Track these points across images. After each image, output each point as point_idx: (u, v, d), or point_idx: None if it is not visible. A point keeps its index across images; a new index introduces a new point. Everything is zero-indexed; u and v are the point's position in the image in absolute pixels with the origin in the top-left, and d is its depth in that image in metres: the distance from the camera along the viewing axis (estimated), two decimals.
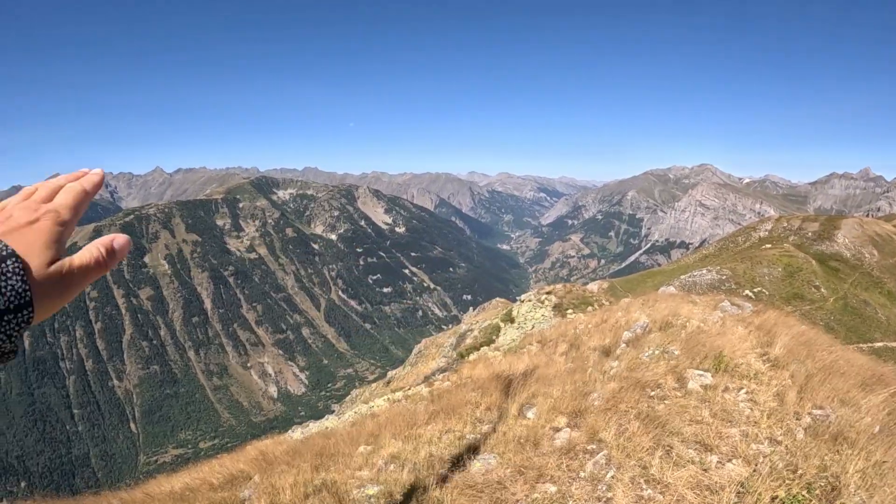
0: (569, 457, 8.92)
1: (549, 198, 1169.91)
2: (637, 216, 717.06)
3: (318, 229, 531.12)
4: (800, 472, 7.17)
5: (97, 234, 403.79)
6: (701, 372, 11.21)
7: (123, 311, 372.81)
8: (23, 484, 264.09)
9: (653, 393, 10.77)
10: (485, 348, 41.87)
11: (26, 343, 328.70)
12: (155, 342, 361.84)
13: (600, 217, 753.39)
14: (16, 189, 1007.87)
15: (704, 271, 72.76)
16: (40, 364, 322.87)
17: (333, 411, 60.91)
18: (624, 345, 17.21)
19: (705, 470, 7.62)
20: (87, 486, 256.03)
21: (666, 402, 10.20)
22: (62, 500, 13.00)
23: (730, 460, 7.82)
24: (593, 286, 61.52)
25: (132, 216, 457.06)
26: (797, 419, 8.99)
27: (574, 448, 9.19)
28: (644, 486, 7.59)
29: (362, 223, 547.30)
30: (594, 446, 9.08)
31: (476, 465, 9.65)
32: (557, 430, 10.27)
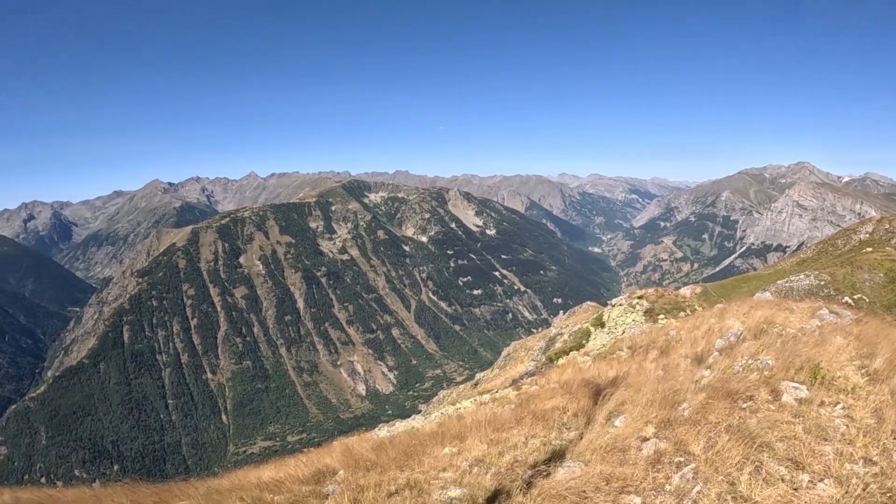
0: (655, 468, 8.77)
1: (640, 199, 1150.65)
2: (731, 218, 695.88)
3: (409, 231, 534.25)
4: (893, 496, 6.91)
5: (195, 235, 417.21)
6: (796, 384, 10.87)
7: (219, 308, 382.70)
8: (116, 467, 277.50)
9: (745, 405, 10.49)
10: (574, 353, 41.44)
11: (125, 336, 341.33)
12: (248, 339, 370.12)
13: (693, 219, 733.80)
14: (118, 194, 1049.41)
15: (801, 276, 70.69)
16: (138, 356, 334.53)
17: (420, 411, 61.15)
18: (716, 353, 16.85)
19: (795, 489, 7.38)
20: (176, 472, 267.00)
21: (758, 414, 9.92)
22: (152, 484, 13.29)
23: (821, 480, 7.56)
24: (686, 291, 60.24)
25: (228, 219, 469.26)
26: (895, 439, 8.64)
27: (661, 459, 9.03)
28: None
29: (453, 225, 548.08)
30: (682, 459, 8.90)
31: (561, 473, 9.57)
32: (645, 439, 10.10)
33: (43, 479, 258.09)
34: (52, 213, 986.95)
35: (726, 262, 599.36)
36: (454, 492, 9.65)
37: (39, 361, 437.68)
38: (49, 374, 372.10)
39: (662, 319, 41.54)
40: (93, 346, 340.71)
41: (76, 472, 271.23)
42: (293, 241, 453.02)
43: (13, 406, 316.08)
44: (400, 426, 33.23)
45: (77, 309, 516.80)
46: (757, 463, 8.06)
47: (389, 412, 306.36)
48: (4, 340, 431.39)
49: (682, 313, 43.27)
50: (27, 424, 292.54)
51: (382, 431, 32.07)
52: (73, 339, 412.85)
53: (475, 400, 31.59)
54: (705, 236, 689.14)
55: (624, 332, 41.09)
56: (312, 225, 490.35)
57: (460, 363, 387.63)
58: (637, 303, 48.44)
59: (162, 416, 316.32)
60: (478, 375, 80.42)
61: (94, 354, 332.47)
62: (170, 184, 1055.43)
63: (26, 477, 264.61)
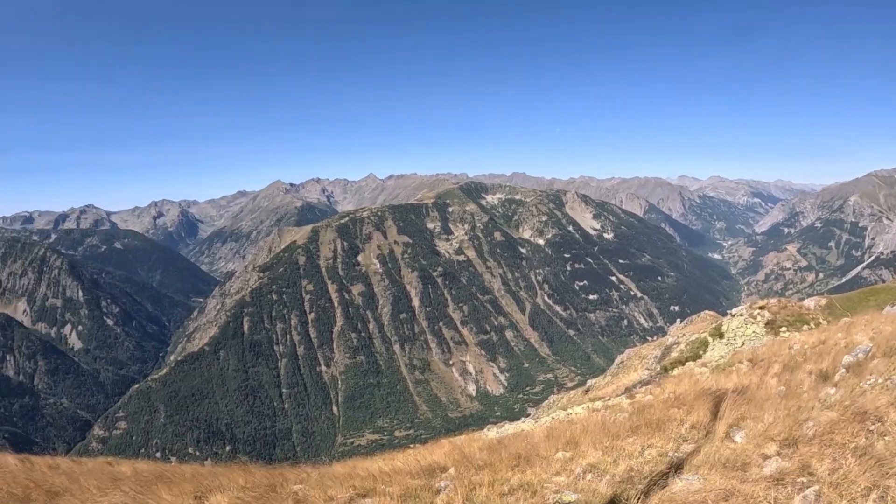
0: (776, 487, 8.53)
1: (763, 203, 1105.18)
2: (860, 224, 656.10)
3: (526, 234, 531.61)
4: None
5: (315, 233, 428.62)
6: None
7: (336, 304, 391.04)
8: (227, 448, 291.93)
9: (873, 427, 10.12)
10: (690, 363, 40.74)
11: (245, 327, 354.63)
12: (363, 334, 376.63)
13: (819, 225, 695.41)
14: (242, 194, 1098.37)
15: None
16: (256, 346, 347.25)
17: (529, 414, 60.87)
18: (843, 370, 16.33)
19: None
20: (285, 458, 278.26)
21: (886, 438, 9.56)
22: (266, 466, 13.62)
23: None
24: (809, 302, 58.04)
25: (347, 219, 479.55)
26: None
27: (783, 478, 8.78)
28: None
29: (570, 228, 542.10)
30: (805, 479, 8.63)
31: (678, 485, 9.43)
32: (766, 457, 9.86)
33: (158, 454, 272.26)
34: (179, 210, 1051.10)
35: (853, 272, 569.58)
36: (569, 496, 9.61)
37: (163, 346, 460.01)
38: (171, 358, 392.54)
39: (784, 332, 40.40)
40: (214, 335, 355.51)
41: (190, 450, 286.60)
42: (410, 241, 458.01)
43: (136, 386, 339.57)
44: (509, 428, 33.28)
45: (201, 300, 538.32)
46: (884, 489, 7.77)
47: (498, 414, 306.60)
48: (132, 326, 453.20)
49: (805, 326, 42.00)
50: (148, 403, 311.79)
51: (491, 432, 32.21)
52: (196, 328, 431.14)
53: (587, 406, 31.41)
54: (831, 244, 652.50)
55: (743, 344, 40.17)
56: (430, 226, 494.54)
57: (572, 368, 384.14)
58: (758, 314, 47.16)
59: (275, 403, 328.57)
60: (589, 382, 79.64)
61: (214, 342, 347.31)
62: (291, 184, 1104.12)
63: (142, 451, 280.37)
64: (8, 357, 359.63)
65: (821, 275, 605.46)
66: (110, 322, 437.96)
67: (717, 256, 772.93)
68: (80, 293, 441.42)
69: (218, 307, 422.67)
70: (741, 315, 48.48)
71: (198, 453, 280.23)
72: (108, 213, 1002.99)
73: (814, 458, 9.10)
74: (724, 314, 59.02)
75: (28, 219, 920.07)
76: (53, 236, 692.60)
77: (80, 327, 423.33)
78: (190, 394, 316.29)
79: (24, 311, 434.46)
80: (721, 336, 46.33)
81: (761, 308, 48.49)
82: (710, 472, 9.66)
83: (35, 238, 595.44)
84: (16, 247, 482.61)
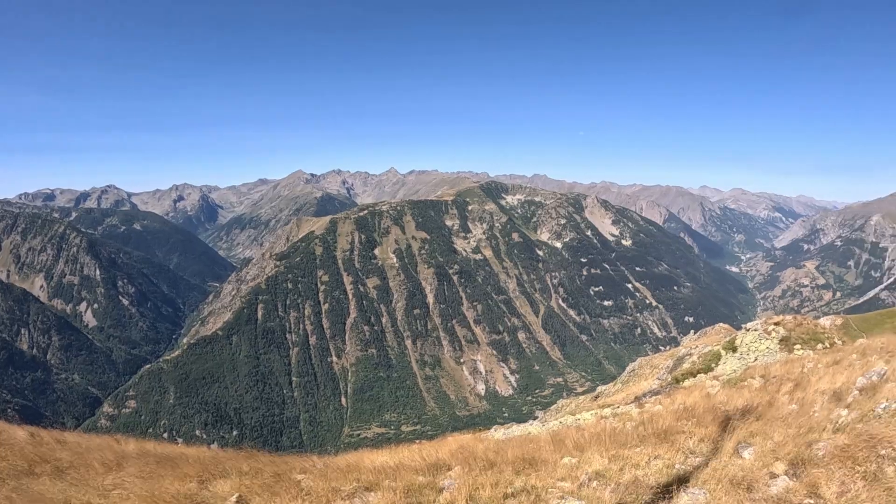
0: None
1: (784, 218, 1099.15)
2: (881, 245, 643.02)
3: (544, 236, 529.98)
4: None
5: (333, 225, 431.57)
6: None
7: (350, 296, 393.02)
8: (234, 433, 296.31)
9: (884, 452, 10.00)
10: (702, 376, 40.57)
11: (259, 314, 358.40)
12: (376, 328, 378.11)
13: (839, 243, 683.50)
14: (263, 182, 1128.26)
15: None
16: (269, 334, 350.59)
17: (537, 417, 60.82)
18: (857, 392, 16.18)
19: None
20: (291, 446, 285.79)
21: None
22: (271, 454, 13.66)
23: None
24: (825, 321, 57.44)
25: (366, 211, 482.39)
26: None
27: (789, 499, 8.70)
28: None
29: (588, 233, 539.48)
30: (812, 501, 8.55)
31: (684, 499, 9.37)
32: (774, 476, 9.76)
33: (165, 435, 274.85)
34: (200, 195, 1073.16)
35: (871, 293, 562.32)
36: (573, 503, 9.56)
37: (177, 328, 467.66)
38: (184, 340, 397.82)
39: (799, 350, 40.21)
40: (228, 320, 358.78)
41: (197, 433, 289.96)
42: (428, 237, 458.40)
43: (148, 366, 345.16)
44: (516, 430, 33.29)
45: (216, 284, 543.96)
46: None
47: (506, 415, 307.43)
48: (147, 307, 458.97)
49: (819, 345, 41.75)
50: (158, 384, 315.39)
51: (498, 433, 32.21)
52: (210, 312, 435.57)
53: (596, 413, 31.33)
54: (850, 263, 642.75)
55: (756, 360, 40.01)
56: (448, 223, 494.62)
57: (583, 374, 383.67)
58: (773, 330, 46.81)
59: (285, 391, 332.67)
60: (599, 388, 79.61)
61: (228, 327, 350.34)
62: (312, 175, 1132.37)
63: (150, 430, 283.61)
64: (23, 331, 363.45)
65: (838, 294, 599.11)
66: (126, 302, 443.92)
67: (734, 269, 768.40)
68: (98, 272, 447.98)
69: (233, 293, 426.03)
70: (756, 330, 48.14)
71: (205, 436, 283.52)
72: (129, 195, 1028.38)
73: (822, 480, 9.00)
74: (739, 328, 58.62)
75: (50, 196, 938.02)
76: (74, 214, 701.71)
77: (95, 305, 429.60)
78: (200, 377, 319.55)
79: (42, 286, 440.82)
80: (734, 350, 46.06)
81: (776, 324, 48.12)
82: (717, 487, 9.59)
83: (55, 215, 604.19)
84: (36, 223, 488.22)
